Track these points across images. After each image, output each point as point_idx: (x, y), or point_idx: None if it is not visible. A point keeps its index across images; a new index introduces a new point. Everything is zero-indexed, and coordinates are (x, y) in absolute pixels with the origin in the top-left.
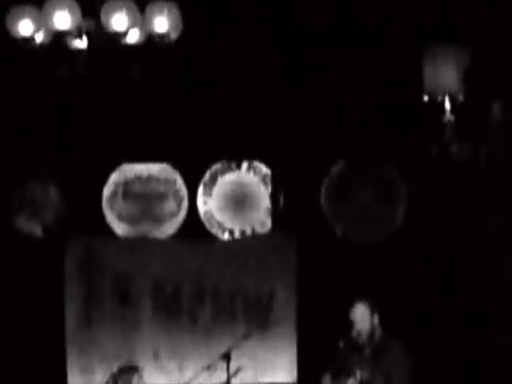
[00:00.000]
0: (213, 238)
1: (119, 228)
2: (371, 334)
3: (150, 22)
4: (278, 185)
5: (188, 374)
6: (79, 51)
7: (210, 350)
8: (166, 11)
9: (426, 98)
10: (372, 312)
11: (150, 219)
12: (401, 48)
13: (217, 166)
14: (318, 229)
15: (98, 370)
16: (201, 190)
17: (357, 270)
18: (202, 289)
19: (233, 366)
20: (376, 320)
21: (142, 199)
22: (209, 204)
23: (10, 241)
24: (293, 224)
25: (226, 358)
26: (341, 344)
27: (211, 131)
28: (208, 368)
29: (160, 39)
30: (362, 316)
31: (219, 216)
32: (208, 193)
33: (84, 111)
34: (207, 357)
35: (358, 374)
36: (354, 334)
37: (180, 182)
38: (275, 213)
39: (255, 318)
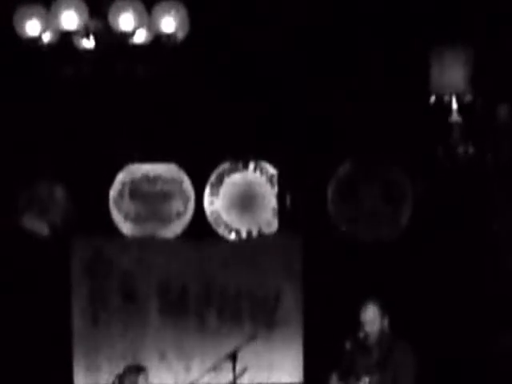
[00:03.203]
0: (219, 238)
1: (126, 228)
2: (380, 336)
3: (157, 22)
4: (285, 185)
5: (194, 374)
6: (86, 51)
7: (217, 350)
8: (173, 11)
9: (432, 99)
10: (382, 314)
11: (157, 219)
12: (408, 48)
13: (224, 166)
14: (324, 229)
15: (104, 370)
16: (208, 190)
17: (362, 270)
18: (208, 289)
19: (239, 366)
20: (386, 323)
21: (149, 199)
22: (215, 204)
23: (16, 240)
24: (299, 224)
25: (233, 358)
26: (347, 344)
27: (218, 131)
28: (214, 368)
29: (167, 39)
30: (372, 318)
31: (226, 216)
32: (215, 193)
33: (91, 111)
34: (214, 357)
35: (367, 378)
36: (361, 335)
37: (187, 182)
38: (282, 213)
39: (261, 319)
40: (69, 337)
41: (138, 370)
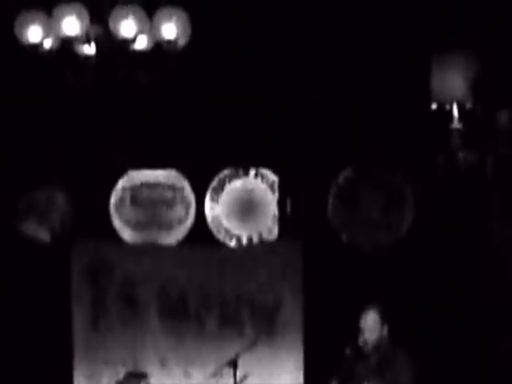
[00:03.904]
0: (220, 245)
1: (126, 234)
2: (378, 344)
3: (159, 28)
4: (285, 191)
5: (194, 380)
6: (87, 57)
7: (217, 356)
8: (174, 18)
9: (433, 106)
10: (382, 322)
11: (158, 225)
12: (409, 55)
13: (224, 173)
14: (324, 235)
15: (104, 375)
16: (208, 196)
17: (363, 276)
18: (208, 295)
19: (239, 372)
20: (385, 331)
21: (150, 205)
22: (216, 210)
23: (17, 245)
24: (300, 231)
25: (233, 364)
26: (347, 351)
27: (219, 138)
28: (215, 374)
29: (168, 45)
30: (372, 325)
31: (226, 222)
32: (215, 199)
33: (92, 117)
34: (214, 363)
35: None
36: (360, 341)
37: (188, 189)
38: (282, 219)
39: (262, 325)
40: (69, 342)
41: (139, 376)
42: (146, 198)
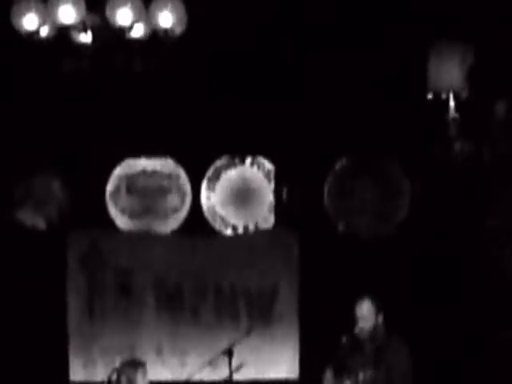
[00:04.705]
0: (216, 234)
1: (122, 222)
2: (373, 332)
3: (155, 16)
4: (282, 180)
5: (190, 369)
6: (84, 45)
7: (213, 345)
8: (170, 6)
9: (430, 96)
10: (377, 310)
11: (153, 214)
12: (405, 45)
13: (220, 162)
14: (320, 224)
15: (100, 364)
16: (204, 185)
17: (359, 265)
18: (204, 284)
19: (235, 361)
20: (380, 319)
21: (146, 194)
22: (212, 199)
23: (13, 234)
24: (296, 220)
25: (229, 353)
26: (343, 340)
27: (215, 126)
28: (210, 363)
29: (164, 34)
30: (366, 313)
31: (222, 211)
32: (211, 188)
33: (88, 105)
34: (209, 352)
35: (361, 374)
36: (356, 330)
37: (183, 177)
38: (278, 208)
39: (258, 314)
40: (65, 330)
41: (136, 364)
42: (141, 186)
